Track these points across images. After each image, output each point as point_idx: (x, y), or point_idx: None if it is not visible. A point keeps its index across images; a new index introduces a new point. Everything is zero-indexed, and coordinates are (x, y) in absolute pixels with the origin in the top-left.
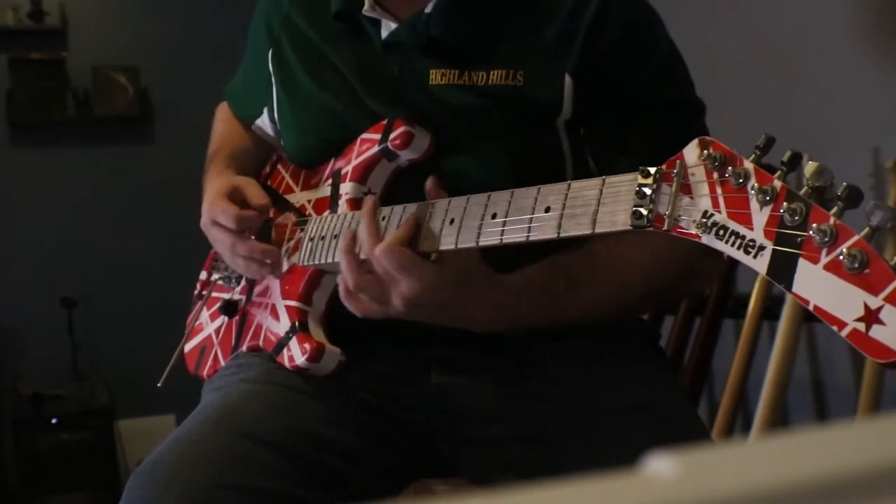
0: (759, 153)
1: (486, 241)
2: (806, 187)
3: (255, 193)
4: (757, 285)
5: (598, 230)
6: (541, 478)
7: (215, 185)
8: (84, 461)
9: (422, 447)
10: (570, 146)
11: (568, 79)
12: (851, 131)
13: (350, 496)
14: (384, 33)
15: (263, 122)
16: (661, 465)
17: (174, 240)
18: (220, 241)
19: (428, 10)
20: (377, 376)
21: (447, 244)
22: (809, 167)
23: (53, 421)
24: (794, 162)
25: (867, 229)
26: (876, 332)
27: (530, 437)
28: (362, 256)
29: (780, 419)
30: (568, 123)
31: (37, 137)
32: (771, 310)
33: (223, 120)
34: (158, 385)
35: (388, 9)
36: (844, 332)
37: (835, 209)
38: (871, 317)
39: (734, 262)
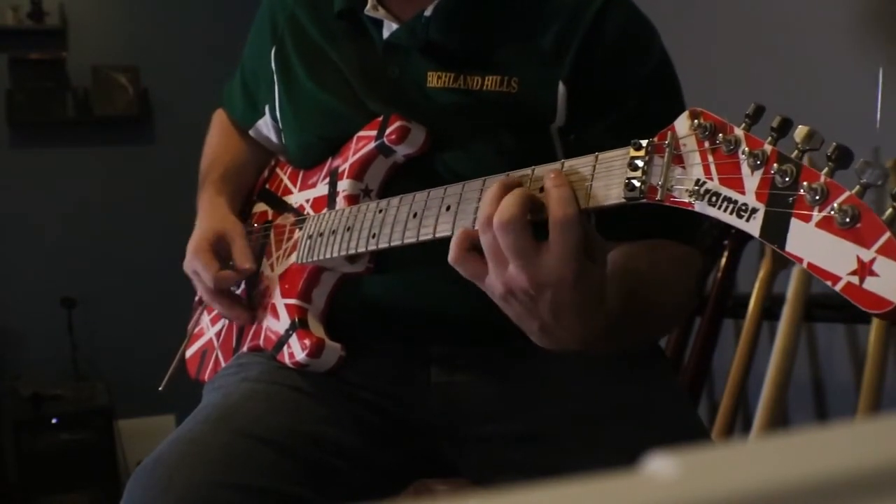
0: (749, 121)
1: None
2: (797, 150)
3: (240, 255)
4: (757, 285)
5: (592, 205)
6: (541, 478)
7: (203, 224)
8: (84, 461)
9: (422, 446)
10: (563, 151)
11: (562, 87)
12: (851, 131)
13: (350, 496)
14: (385, 34)
15: (265, 122)
16: (661, 465)
17: (174, 239)
18: (201, 292)
19: (427, 12)
20: (377, 375)
21: (442, 231)
22: (800, 131)
23: (53, 421)
24: (785, 127)
25: (858, 186)
26: (870, 283)
27: (530, 437)
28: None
29: (780, 419)
30: (561, 129)
31: (37, 137)
32: (771, 310)
33: (219, 130)
34: (160, 389)
35: (391, 9)
36: (839, 287)
37: (826, 169)
38: (864, 269)
39: (735, 262)
